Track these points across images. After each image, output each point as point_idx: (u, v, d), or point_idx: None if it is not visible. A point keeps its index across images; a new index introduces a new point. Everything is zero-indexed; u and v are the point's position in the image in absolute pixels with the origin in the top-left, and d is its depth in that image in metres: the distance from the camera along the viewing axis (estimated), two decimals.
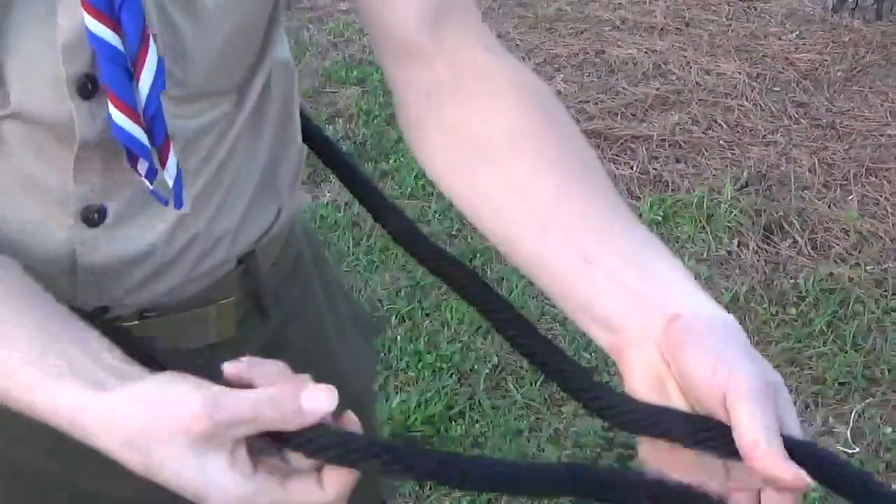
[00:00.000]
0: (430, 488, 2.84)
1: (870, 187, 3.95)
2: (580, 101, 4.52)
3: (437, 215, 3.83)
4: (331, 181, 3.95)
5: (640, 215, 3.79)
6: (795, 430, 0.83)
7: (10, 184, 1.01)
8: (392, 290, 3.50)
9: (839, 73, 4.63)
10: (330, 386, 0.86)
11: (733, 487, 0.87)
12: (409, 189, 3.95)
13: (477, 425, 3.02)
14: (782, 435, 0.81)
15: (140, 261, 1.09)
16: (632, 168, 4.10)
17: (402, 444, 0.86)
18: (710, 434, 0.84)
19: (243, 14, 1.04)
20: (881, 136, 4.24)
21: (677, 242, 3.71)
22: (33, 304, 0.93)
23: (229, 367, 0.87)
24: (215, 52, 1.02)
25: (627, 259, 0.92)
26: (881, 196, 3.90)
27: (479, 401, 3.09)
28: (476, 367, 3.17)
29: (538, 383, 3.13)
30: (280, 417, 0.84)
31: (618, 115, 4.44)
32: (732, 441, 0.81)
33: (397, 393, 3.09)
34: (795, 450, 0.81)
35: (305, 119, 1.29)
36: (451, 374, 3.17)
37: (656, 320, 0.88)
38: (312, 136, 1.29)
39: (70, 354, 0.87)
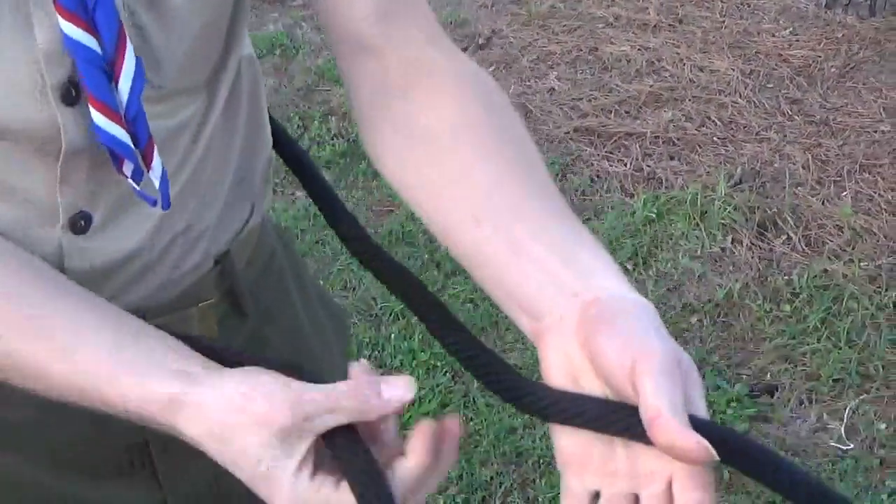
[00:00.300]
0: None
1: (863, 183, 3.95)
2: (574, 99, 4.52)
3: None
4: None
5: (634, 213, 3.80)
6: (702, 411, 0.85)
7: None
8: (386, 288, 3.49)
9: (833, 70, 4.63)
10: (408, 377, 0.90)
11: (644, 482, 0.87)
12: None
13: (471, 423, 3.02)
14: (690, 416, 0.82)
15: (125, 263, 1.09)
16: (625, 165, 4.10)
17: None
18: (620, 416, 0.86)
19: (209, 11, 1.04)
20: (875, 132, 4.24)
21: (671, 239, 3.70)
22: (90, 298, 0.97)
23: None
24: (184, 51, 1.02)
25: (553, 249, 0.95)
26: (875, 192, 3.89)
27: (473, 398, 3.09)
28: None
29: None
30: (361, 407, 0.88)
31: (611, 112, 4.43)
32: (642, 423, 0.82)
33: None
34: (700, 428, 0.82)
35: (271, 119, 1.29)
36: (446, 371, 3.17)
37: (574, 307, 0.90)
38: (277, 137, 1.29)
39: (150, 346, 0.93)
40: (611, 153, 4.18)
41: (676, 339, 2.79)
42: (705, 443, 0.80)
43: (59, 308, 0.95)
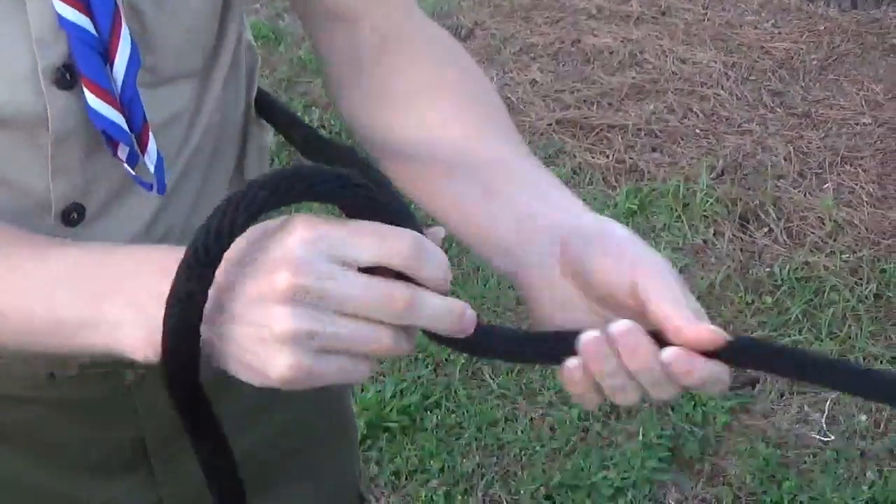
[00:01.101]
0: (406, 478, 2.84)
1: (845, 176, 3.96)
2: (556, 91, 4.52)
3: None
4: None
5: (616, 205, 3.80)
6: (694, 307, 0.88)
7: None
8: None
9: (814, 62, 4.63)
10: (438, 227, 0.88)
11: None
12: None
13: (453, 415, 3.01)
14: None
15: None
16: (607, 157, 4.10)
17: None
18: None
19: None
20: (856, 124, 4.24)
21: (653, 231, 3.71)
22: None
23: None
24: (180, 35, 1.02)
25: (524, 190, 0.99)
26: (856, 184, 3.90)
27: (454, 390, 3.08)
28: (452, 356, 3.17)
29: (514, 373, 3.12)
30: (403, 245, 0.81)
31: (593, 104, 4.43)
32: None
33: (372, 383, 3.08)
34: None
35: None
36: (427, 363, 3.16)
37: (554, 241, 0.93)
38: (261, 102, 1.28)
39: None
40: (593, 145, 4.18)
41: None
42: (717, 329, 0.85)
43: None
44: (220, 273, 0.79)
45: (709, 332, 0.84)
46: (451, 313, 0.82)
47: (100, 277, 0.85)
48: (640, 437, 2.92)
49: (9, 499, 1.19)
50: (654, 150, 4.16)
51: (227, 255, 0.79)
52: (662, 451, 2.90)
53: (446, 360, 3.17)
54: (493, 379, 3.10)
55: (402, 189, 1.05)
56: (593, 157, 4.10)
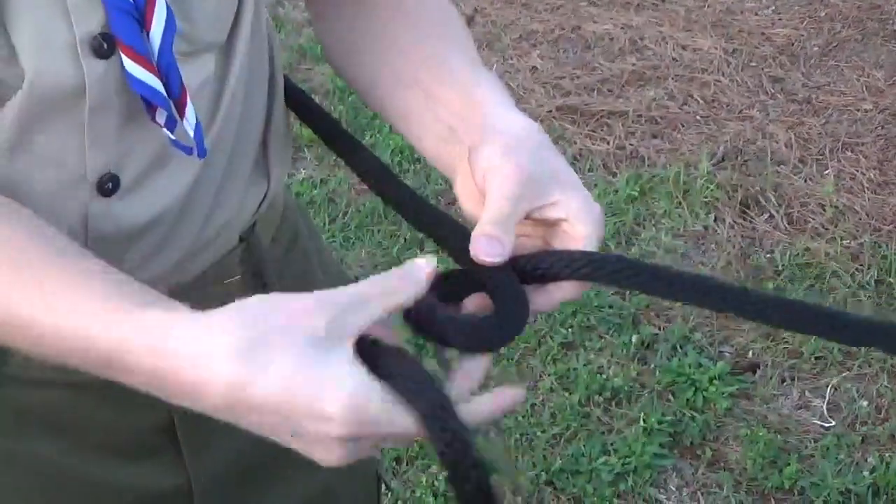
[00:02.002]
0: (407, 463, 2.84)
1: (846, 162, 3.95)
2: (556, 77, 4.51)
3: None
4: (305, 158, 3.94)
5: (617, 191, 3.79)
6: (578, 206, 0.96)
7: (25, 162, 0.98)
8: (368, 266, 3.49)
9: (815, 48, 4.63)
10: (428, 255, 0.92)
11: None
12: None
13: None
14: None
15: (150, 228, 1.08)
16: (608, 144, 4.09)
17: None
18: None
19: None
20: (857, 110, 4.24)
21: (653, 218, 3.70)
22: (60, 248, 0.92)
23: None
24: (211, 6, 1.02)
25: (461, 93, 1.06)
26: (857, 171, 3.90)
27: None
28: None
29: (514, 359, 3.12)
30: (389, 289, 0.88)
31: (594, 90, 4.42)
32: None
33: None
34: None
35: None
36: (428, 351, 3.16)
37: (475, 137, 1.00)
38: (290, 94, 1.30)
39: (136, 288, 0.88)
40: (593, 132, 4.17)
41: (658, 318, 2.80)
42: (488, 258, 0.93)
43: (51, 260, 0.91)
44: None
45: (475, 252, 0.92)
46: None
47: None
48: (641, 423, 2.92)
49: (34, 481, 1.19)
50: (654, 136, 4.15)
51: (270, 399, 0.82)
52: (663, 437, 2.90)
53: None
54: (493, 366, 3.10)
55: (356, 88, 1.19)
56: (594, 144, 4.09)
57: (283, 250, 1.29)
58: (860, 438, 2.91)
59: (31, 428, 1.15)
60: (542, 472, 2.81)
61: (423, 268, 0.90)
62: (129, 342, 0.84)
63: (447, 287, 0.95)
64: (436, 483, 2.77)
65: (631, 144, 4.08)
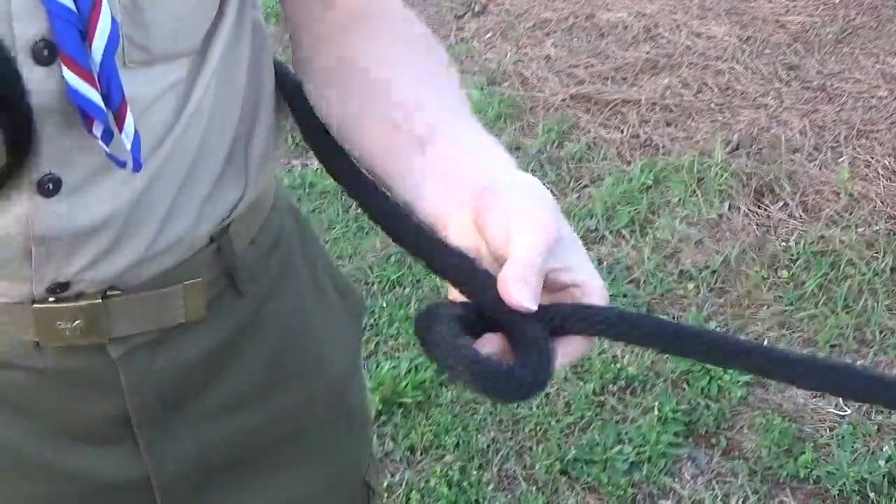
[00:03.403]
0: (422, 453, 2.84)
1: (860, 149, 3.94)
2: (570, 66, 4.50)
3: None
4: None
5: (631, 180, 3.78)
6: (588, 270, 0.94)
7: None
8: (382, 256, 3.49)
9: (830, 36, 4.61)
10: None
11: None
12: None
13: (468, 391, 3.01)
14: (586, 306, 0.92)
15: (97, 232, 1.06)
16: (622, 132, 4.08)
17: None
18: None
19: None
20: (872, 97, 4.22)
21: (668, 206, 3.69)
22: None
23: None
24: (174, 15, 1.01)
25: (455, 147, 1.04)
26: (872, 158, 3.88)
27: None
28: None
29: None
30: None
31: (608, 79, 4.41)
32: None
33: (387, 359, 3.09)
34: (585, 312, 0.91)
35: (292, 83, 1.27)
36: None
37: (469, 192, 0.98)
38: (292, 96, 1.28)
39: None
40: (607, 120, 4.17)
41: (673, 306, 2.78)
42: (524, 303, 0.89)
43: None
44: None
45: (509, 297, 0.89)
46: None
47: None
48: (656, 412, 2.91)
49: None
50: (668, 124, 4.14)
51: None
52: (678, 426, 2.89)
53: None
54: None
55: (352, 150, 1.15)
56: (608, 133, 4.08)
57: (263, 253, 1.27)
58: (876, 427, 2.90)
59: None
60: (557, 462, 2.81)
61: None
62: None
63: (469, 320, 0.93)
64: (450, 472, 2.77)
65: (645, 132, 4.08)
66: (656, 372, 3.05)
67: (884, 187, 3.73)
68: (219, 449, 1.24)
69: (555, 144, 4.02)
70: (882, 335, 3.15)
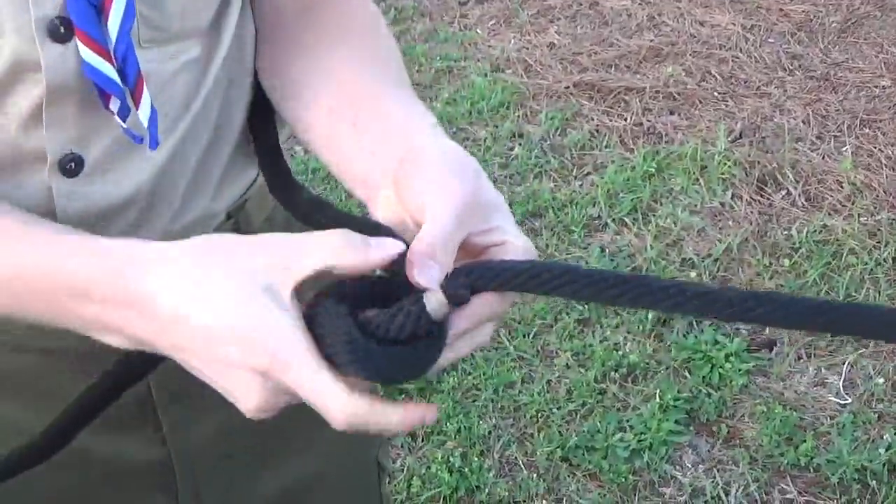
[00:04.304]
0: (423, 439, 2.85)
1: (863, 139, 3.94)
2: (574, 53, 4.50)
3: None
4: None
5: (634, 167, 3.79)
6: (519, 239, 0.93)
7: None
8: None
9: (834, 25, 4.60)
10: (400, 243, 0.89)
11: None
12: None
13: (469, 377, 3.02)
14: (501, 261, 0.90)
15: (122, 210, 1.08)
16: (625, 120, 4.08)
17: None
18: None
19: None
20: (875, 87, 4.22)
21: (671, 194, 3.70)
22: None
23: None
24: None
25: (386, 124, 1.04)
26: (875, 147, 3.88)
27: (471, 353, 3.08)
28: None
29: (531, 335, 3.13)
30: (343, 249, 0.86)
31: (611, 66, 4.41)
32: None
33: None
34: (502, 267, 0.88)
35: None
36: None
37: (389, 163, 0.97)
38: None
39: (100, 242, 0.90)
40: (610, 108, 4.17)
41: None
42: (424, 284, 0.86)
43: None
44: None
45: (412, 277, 0.87)
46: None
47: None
48: (657, 400, 2.92)
49: (12, 444, 1.19)
50: (671, 112, 4.14)
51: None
52: (679, 414, 2.90)
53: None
54: (509, 341, 3.11)
55: (291, 125, 1.14)
56: (611, 120, 4.08)
57: (279, 229, 1.28)
58: (876, 416, 2.91)
59: (8, 392, 1.16)
60: (558, 449, 2.81)
61: (389, 248, 0.88)
62: (91, 266, 0.88)
63: (373, 289, 0.91)
64: (451, 459, 2.78)
65: (648, 121, 4.08)
66: (658, 360, 3.06)
67: (886, 177, 3.73)
68: (236, 428, 1.25)
69: (558, 132, 4.02)
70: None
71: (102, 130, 1.02)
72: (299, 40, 1.15)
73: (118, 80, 0.96)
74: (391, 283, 0.90)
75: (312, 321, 0.85)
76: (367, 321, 0.86)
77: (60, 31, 0.94)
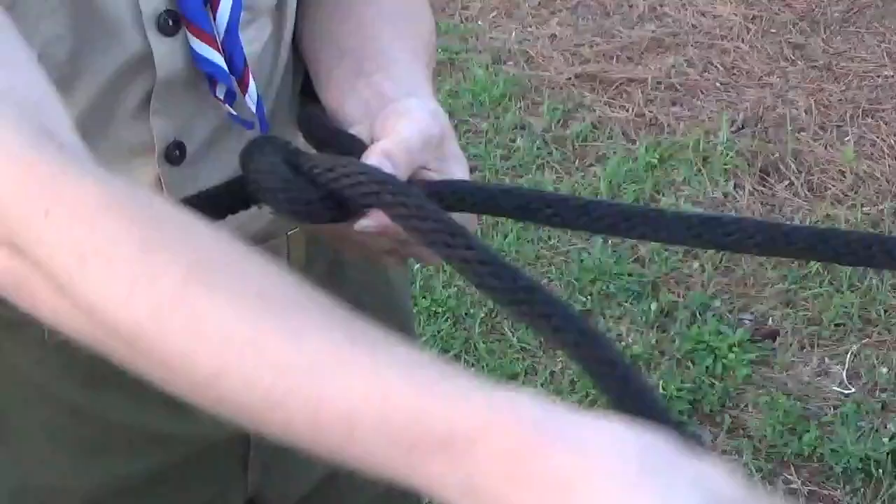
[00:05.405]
0: None
1: (866, 128, 3.94)
2: (575, 45, 4.50)
3: None
4: None
5: (636, 158, 3.78)
6: (457, 159, 0.97)
7: (92, 135, 1.00)
8: None
9: (836, 14, 4.60)
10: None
11: None
12: None
13: (473, 369, 3.02)
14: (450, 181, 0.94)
15: None
16: (627, 111, 4.08)
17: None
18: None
19: None
20: (878, 77, 4.21)
21: (673, 185, 3.70)
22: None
23: None
24: None
25: (384, 75, 1.05)
26: (877, 137, 3.88)
27: (474, 345, 3.09)
28: (471, 310, 3.17)
29: None
30: None
31: (613, 58, 4.41)
32: None
33: None
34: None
35: None
36: (447, 318, 3.17)
37: (376, 107, 1.00)
38: None
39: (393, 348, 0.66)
40: (612, 99, 4.16)
41: (678, 285, 2.78)
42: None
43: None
44: None
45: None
46: None
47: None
48: (660, 391, 2.92)
49: (98, 434, 1.20)
50: (674, 103, 4.14)
51: None
52: (682, 404, 2.90)
53: (466, 314, 3.17)
54: (512, 333, 3.11)
55: (308, 64, 1.14)
56: (613, 112, 4.08)
57: None
58: (880, 405, 2.91)
59: (47, 361, 1.16)
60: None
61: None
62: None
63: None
64: None
65: (650, 112, 4.07)
66: (661, 351, 3.06)
67: (889, 166, 3.73)
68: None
69: (560, 123, 4.02)
70: (887, 314, 3.16)
71: (204, 117, 1.05)
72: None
73: (226, 68, 0.98)
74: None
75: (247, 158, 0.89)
76: (310, 160, 0.89)
77: (169, 24, 0.96)
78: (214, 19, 0.97)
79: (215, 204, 0.95)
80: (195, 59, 0.97)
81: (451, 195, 0.89)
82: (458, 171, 0.97)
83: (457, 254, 0.76)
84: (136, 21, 0.94)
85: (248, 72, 1.01)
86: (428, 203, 0.79)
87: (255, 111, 1.03)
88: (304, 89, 1.20)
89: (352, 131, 1.01)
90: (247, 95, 1.02)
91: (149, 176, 1.04)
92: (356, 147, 0.96)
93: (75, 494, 1.22)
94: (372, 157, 0.89)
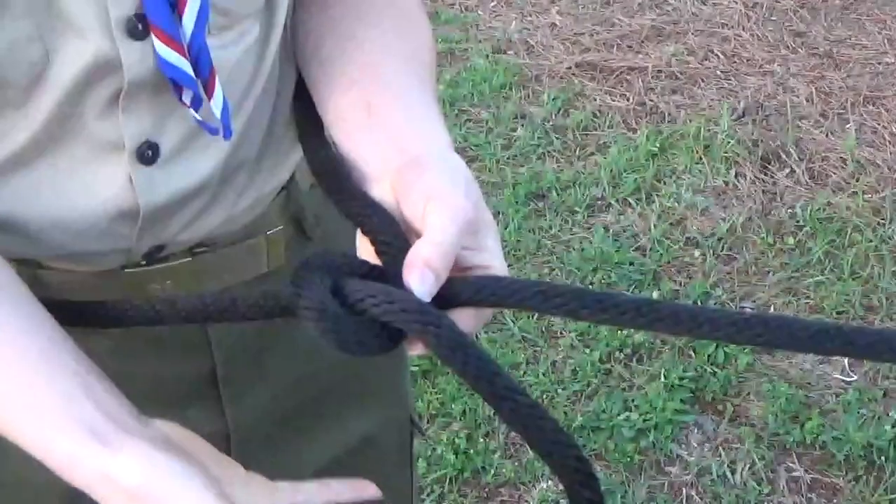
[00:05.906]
0: (428, 421, 2.85)
1: (867, 116, 3.93)
2: (576, 34, 4.49)
3: None
4: None
5: (637, 147, 3.78)
6: (497, 255, 0.94)
7: (61, 136, 1.00)
8: None
9: (837, 2, 4.59)
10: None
11: None
12: None
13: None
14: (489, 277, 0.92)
15: (196, 194, 1.09)
16: (628, 100, 4.08)
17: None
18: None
19: None
20: (879, 64, 4.21)
21: (674, 174, 3.69)
22: (37, 327, 0.93)
23: None
24: None
25: (397, 117, 1.04)
26: (879, 124, 3.88)
27: (476, 334, 3.08)
28: None
29: (535, 316, 3.13)
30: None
31: (613, 46, 4.41)
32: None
33: None
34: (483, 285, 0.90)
35: None
36: None
37: (395, 160, 0.98)
38: None
39: (72, 395, 0.89)
40: (613, 88, 4.16)
41: (679, 274, 2.79)
42: (423, 290, 0.88)
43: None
44: None
45: (408, 282, 0.88)
46: None
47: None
48: (662, 379, 2.92)
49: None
50: (674, 92, 4.14)
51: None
52: (684, 393, 2.90)
53: None
54: (514, 322, 3.11)
55: (310, 89, 1.13)
56: (613, 100, 4.08)
57: (322, 196, 1.31)
58: (882, 392, 2.91)
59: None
60: (564, 429, 2.81)
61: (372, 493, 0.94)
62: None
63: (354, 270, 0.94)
64: (457, 440, 2.78)
65: (651, 100, 4.07)
66: (662, 339, 3.06)
67: (890, 154, 3.73)
68: (289, 396, 1.28)
69: (560, 112, 4.02)
70: (889, 302, 3.16)
71: (177, 118, 1.04)
72: (330, 13, 1.16)
73: (192, 74, 0.97)
74: (377, 271, 0.92)
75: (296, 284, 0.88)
76: (352, 289, 0.88)
77: (138, 28, 0.95)
78: (181, 23, 0.96)
79: (253, 312, 0.96)
80: (160, 64, 0.96)
81: (490, 296, 0.90)
82: (490, 241, 0.95)
83: (495, 392, 0.87)
84: (104, 25, 0.94)
85: (214, 77, 1.00)
86: (458, 335, 0.86)
87: (219, 118, 1.02)
88: (297, 94, 1.20)
89: (373, 194, 0.99)
90: (212, 100, 1.01)
91: (118, 175, 1.03)
92: (378, 213, 0.96)
93: (52, 493, 1.23)
94: (414, 272, 0.88)
